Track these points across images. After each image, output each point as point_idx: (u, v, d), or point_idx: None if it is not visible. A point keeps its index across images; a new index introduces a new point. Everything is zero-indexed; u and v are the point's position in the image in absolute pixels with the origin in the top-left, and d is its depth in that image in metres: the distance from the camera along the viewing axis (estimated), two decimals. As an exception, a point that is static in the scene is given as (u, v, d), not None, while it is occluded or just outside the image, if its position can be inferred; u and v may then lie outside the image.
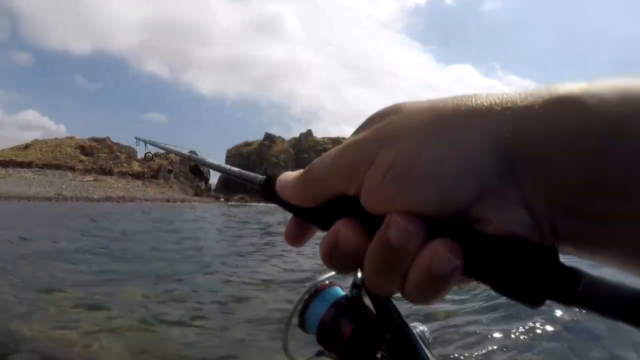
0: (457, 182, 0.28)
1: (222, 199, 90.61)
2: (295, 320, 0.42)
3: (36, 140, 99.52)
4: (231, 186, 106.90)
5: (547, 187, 0.27)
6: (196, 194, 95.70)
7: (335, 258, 0.34)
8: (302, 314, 0.42)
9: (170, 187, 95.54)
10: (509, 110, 0.28)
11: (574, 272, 0.26)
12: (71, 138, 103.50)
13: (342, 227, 0.33)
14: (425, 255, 0.29)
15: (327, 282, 0.44)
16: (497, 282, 0.28)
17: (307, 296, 0.43)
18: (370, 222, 0.33)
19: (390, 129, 0.32)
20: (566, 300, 0.26)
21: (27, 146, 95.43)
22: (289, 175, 0.39)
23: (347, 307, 0.41)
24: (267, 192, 0.43)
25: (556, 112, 0.26)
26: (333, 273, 0.42)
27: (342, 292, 0.43)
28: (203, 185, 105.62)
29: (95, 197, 61.60)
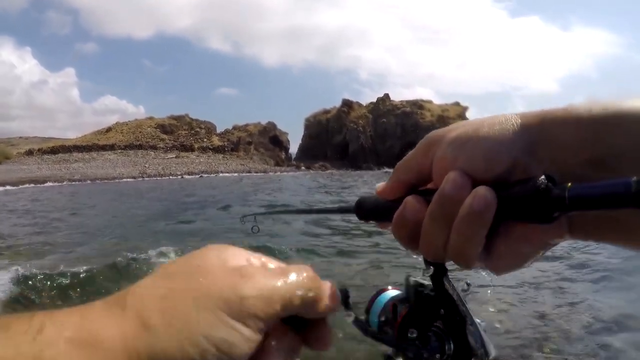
0: (497, 151, 0.38)
1: (303, 168, 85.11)
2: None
3: (117, 123, 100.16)
4: (311, 154, 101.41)
5: (559, 162, 0.36)
6: (277, 164, 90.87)
7: (402, 226, 0.43)
8: (367, 311, 0.47)
9: (251, 158, 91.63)
10: (534, 113, 0.39)
11: (564, 186, 0.33)
12: (150, 118, 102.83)
13: (409, 198, 0.43)
14: (469, 197, 0.37)
15: (389, 287, 0.49)
16: (520, 213, 0.36)
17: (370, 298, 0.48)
18: (429, 196, 0.41)
19: (455, 124, 0.44)
20: (562, 208, 0.33)
21: (108, 129, 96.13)
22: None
23: (405, 297, 0.46)
24: (360, 212, 0.50)
25: (565, 116, 0.37)
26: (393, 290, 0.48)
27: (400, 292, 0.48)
28: (283, 155, 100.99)
29: (178, 173, 58.20)
